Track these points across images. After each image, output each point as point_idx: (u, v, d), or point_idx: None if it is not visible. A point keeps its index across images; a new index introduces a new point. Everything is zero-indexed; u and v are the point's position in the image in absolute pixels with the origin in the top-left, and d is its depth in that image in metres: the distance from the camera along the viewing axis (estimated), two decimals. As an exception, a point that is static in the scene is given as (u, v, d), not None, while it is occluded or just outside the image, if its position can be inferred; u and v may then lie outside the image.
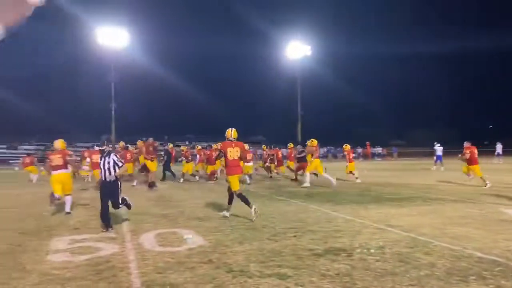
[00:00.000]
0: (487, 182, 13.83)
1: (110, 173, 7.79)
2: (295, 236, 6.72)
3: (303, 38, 54.57)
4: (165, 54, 62.74)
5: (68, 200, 9.66)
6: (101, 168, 7.90)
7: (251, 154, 18.34)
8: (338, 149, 51.48)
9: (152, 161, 15.87)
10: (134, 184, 16.65)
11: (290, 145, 21.63)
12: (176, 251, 5.92)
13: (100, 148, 8.19)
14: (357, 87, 69.81)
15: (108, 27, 47.37)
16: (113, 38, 47.74)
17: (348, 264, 5.13)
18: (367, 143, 51.22)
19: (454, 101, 70.61)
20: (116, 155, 8.07)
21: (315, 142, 16.00)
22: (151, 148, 16.16)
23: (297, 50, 54.78)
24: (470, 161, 14.67)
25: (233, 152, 8.76)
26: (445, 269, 4.82)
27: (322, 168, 15.80)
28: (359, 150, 51.21)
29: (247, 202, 8.36)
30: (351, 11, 71.92)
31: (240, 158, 8.98)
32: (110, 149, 8.20)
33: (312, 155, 15.85)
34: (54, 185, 9.53)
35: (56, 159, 9.62)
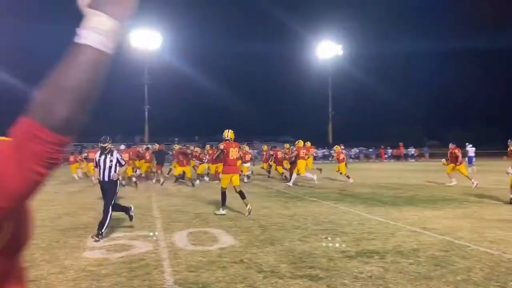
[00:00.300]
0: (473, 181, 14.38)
1: (111, 172, 7.35)
2: (326, 238, 6.66)
3: (334, 38, 54.12)
4: (196, 55, 63.61)
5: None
6: (100, 166, 7.40)
7: (250, 155, 19.12)
8: (371, 150, 50.69)
9: (185, 165, 16.63)
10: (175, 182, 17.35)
11: (287, 145, 21.93)
12: (208, 250, 5.98)
13: (102, 145, 7.54)
14: (390, 86, 68.65)
15: (141, 30, 48.40)
16: (146, 40, 48.78)
17: (381, 266, 5.04)
18: (400, 144, 50.11)
19: (494, 100, 68.21)
20: (120, 153, 7.71)
21: (300, 143, 16.90)
22: (180, 157, 16.86)
23: (328, 49, 54.38)
24: (455, 162, 15.54)
25: (234, 152, 9.38)
26: (483, 274, 4.67)
27: (303, 169, 16.33)
28: (390, 151, 50.12)
29: (223, 201, 9.22)
30: (383, 9, 70.62)
31: (237, 158, 9.53)
32: (112, 147, 7.72)
33: (297, 156, 16.47)
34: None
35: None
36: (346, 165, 18.52)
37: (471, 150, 25.70)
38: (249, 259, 5.48)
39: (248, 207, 8.97)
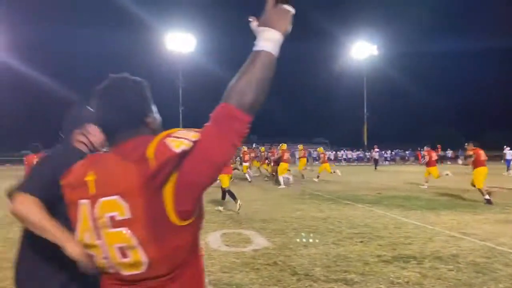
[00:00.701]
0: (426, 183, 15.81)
1: None
2: (362, 242, 6.55)
3: (369, 38, 53.32)
4: (230, 57, 63.93)
5: None
6: None
7: (247, 156, 20.28)
8: (407, 152, 49.55)
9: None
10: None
11: (283, 146, 21.94)
12: (242, 251, 6.00)
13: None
14: (427, 87, 67.00)
15: (176, 33, 49.31)
16: (181, 43, 49.65)
17: (419, 272, 4.91)
18: (438, 146, 48.69)
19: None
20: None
21: (284, 146, 18.04)
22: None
23: (363, 49, 53.60)
24: (429, 164, 16.39)
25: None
26: (528, 283, 4.46)
27: (282, 171, 17.11)
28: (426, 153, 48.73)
29: (233, 197, 9.85)
30: (419, 8, 68.90)
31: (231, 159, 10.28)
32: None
33: (281, 158, 17.40)
34: None
35: None
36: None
37: (509, 153, 24.63)
38: (282, 261, 5.46)
39: (220, 208, 9.98)
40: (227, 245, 6.41)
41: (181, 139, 1.14)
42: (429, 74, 69.34)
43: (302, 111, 69.35)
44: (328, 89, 67.19)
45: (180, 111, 52.15)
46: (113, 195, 1.17)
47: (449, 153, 49.48)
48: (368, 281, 4.63)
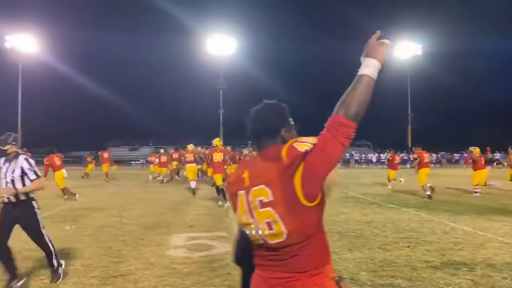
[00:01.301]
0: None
1: (15, 188, 4.65)
2: (408, 247, 6.38)
3: (413, 37, 51.90)
4: (271, 60, 64.26)
5: (193, 183, 14.75)
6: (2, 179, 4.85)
7: (237, 156, 20.65)
8: (456, 155, 47.80)
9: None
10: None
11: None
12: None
13: (2, 147, 4.80)
14: (476, 87, 64.26)
15: (217, 36, 49.93)
16: (221, 46, 50.23)
17: (471, 279, 4.73)
18: (487, 148, 46.64)
19: None
20: (28, 160, 4.84)
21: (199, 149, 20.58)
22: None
23: (406, 49, 52.26)
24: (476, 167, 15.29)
25: (217, 156, 11.87)
26: None
27: None
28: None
29: (224, 196, 11.04)
30: (465, 5, 66.33)
31: (224, 161, 12.00)
32: (18, 150, 4.98)
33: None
34: (189, 174, 15.54)
35: (190, 157, 15.69)
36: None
37: None
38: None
39: (222, 203, 11.18)
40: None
41: (304, 143, 1.65)
42: (477, 75, 66.43)
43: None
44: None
45: (221, 113, 52.85)
46: (260, 184, 1.68)
47: (498, 155, 47.27)
48: (416, 287, 4.51)
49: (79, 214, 9.91)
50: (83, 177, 23.05)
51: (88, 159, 25.23)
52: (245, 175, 1.77)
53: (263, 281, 1.76)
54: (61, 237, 7.04)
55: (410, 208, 10.71)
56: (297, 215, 1.62)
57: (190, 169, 15.55)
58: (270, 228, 1.66)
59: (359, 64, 1.68)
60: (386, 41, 1.74)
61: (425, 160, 14.19)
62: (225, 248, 6.35)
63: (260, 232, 1.70)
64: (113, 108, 63.09)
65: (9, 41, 48.48)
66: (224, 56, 51.51)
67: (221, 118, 52.99)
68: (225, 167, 12.07)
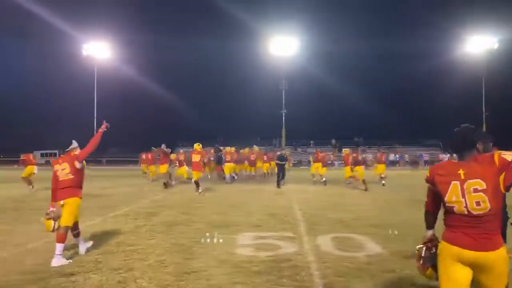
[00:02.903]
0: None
1: None
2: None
3: (488, 30, 48.68)
4: (333, 60, 63.38)
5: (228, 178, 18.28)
6: None
7: (228, 157, 21.16)
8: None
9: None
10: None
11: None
12: (355, 256, 5.87)
13: None
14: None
15: (279, 37, 50.04)
16: (284, 47, 50.27)
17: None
18: None
19: None
20: None
21: (256, 148, 24.42)
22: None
23: (481, 43, 49.17)
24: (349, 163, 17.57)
25: (195, 157, 14.92)
26: None
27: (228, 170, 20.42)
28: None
29: (198, 186, 14.65)
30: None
31: (203, 161, 15.36)
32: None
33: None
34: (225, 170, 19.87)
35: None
36: (351, 169, 17.78)
37: None
38: (400, 269, 5.22)
39: (198, 193, 14.46)
40: (339, 249, 6.32)
41: (508, 155, 2.64)
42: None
43: (410, 112, 65.27)
44: (440, 87, 61.98)
45: (283, 114, 52.89)
46: (477, 178, 2.64)
47: None
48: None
49: (150, 212, 10.35)
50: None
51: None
52: (461, 171, 2.71)
53: (464, 234, 2.70)
54: (134, 233, 7.39)
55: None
56: (498, 198, 2.64)
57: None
58: (478, 205, 2.63)
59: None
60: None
61: (349, 160, 15.97)
62: (293, 249, 6.35)
63: (468, 207, 2.66)
64: (178, 109, 65.65)
65: (86, 49, 53.59)
66: (287, 56, 51.52)
67: (283, 118, 53.04)
68: (202, 165, 15.03)
